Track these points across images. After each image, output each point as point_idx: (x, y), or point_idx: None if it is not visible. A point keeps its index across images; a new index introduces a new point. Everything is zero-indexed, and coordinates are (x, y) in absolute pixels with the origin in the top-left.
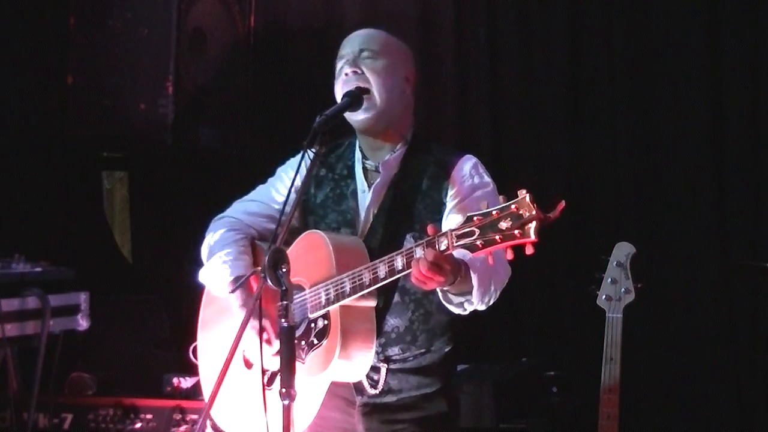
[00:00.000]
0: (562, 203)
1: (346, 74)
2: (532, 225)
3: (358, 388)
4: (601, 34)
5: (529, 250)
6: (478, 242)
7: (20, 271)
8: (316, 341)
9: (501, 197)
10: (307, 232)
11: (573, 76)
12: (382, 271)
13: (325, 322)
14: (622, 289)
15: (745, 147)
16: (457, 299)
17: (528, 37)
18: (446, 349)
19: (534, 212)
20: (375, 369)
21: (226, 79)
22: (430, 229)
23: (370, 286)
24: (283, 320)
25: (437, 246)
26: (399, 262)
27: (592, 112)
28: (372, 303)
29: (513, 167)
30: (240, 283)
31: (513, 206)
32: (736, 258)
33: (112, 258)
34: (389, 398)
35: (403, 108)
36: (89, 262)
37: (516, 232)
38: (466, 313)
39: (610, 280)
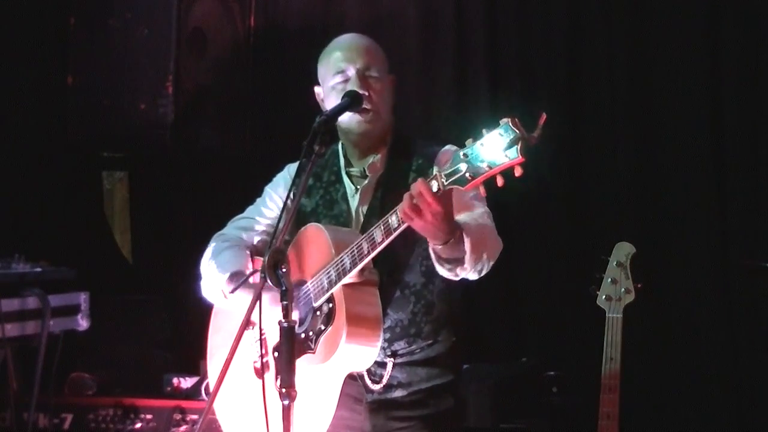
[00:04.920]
0: (543, 116)
1: None
2: (518, 145)
3: (366, 386)
4: (601, 34)
5: (517, 172)
6: (467, 175)
7: (20, 271)
8: (323, 327)
9: (484, 130)
10: (303, 227)
11: (573, 76)
12: (378, 234)
13: (330, 305)
14: (622, 289)
15: (745, 147)
16: (448, 265)
17: (528, 37)
18: (453, 339)
19: (517, 133)
20: (381, 364)
21: (226, 79)
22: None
23: (369, 253)
24: (283, 320)
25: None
26: (393, 219)
27: (592, 111)
28: (374, 277)
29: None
30: (241, 282)
31: (496, 133)
32: (736, 258)
33: (112, 258)
34: (399, 393)
35: (391, 118)
36: (89, 262)
37: (502, 155)
38: (458, 278)
39: (610, 280)
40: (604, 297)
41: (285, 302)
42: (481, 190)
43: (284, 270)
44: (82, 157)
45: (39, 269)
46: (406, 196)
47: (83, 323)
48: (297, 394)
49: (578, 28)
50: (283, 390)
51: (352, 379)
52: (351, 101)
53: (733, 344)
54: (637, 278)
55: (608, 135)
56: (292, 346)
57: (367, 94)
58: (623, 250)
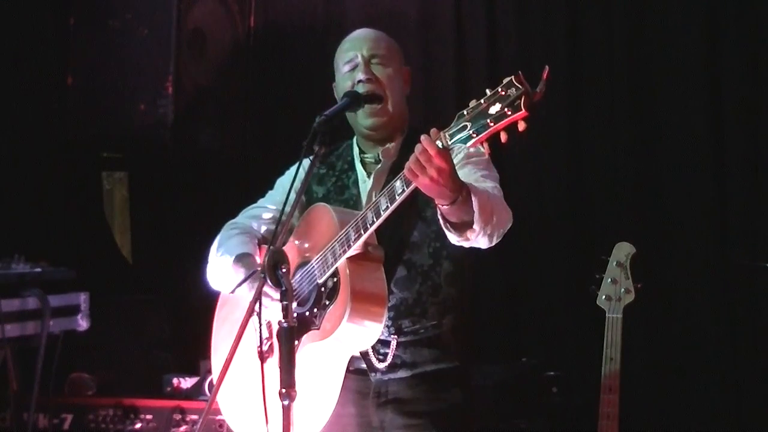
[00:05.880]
0: (546, 70)
1: (360, 80)
2: (521, 100)
3: (370, 365)
4: (601, 34)
5: (521, 126)
6: (471, 132)
7: (20, 271)
8: (327, 302)
9: (487, 89)
10: (311, 207)
11: (573, 75)
12: (383, 201)
13: (335, 280)
14: (622, 289)
15: (745, 147)
16: (457, 231)
17: (528, 36)
18: (459, 325)
19: (521, 88)
20: (385, 343)
21: (226, 80)
22: (433, 132)
23: (374, 222)
24: (283, 320)
25: None
26: (398, 184)
27: (593, 111)
28: (379, 253)
29: (512, 167)
30: (242, 281)
31: (500, 91)
32: (736, 258)
33: (112, 258)
34: (403, 373)
35: (404, 108)
36: (89, 262)
37: (506, 111)
38: (469, 243)
39: (610, 280)
40: (604, 297)
41: (285, 302)
42: (486, 147)
43: (284, 270)
44: (82, 157)
45: (39, 269)
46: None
47: (83, 323)
48: (297, 394)
49: (578, 28)
50: (283, 390)
51: (356, 372)
52: (350, 101)
53: (733, 344)
54: (637, 278)
55: (608, 135)
56: (292, 346)
57: (371, 78)
58: (623, 250)
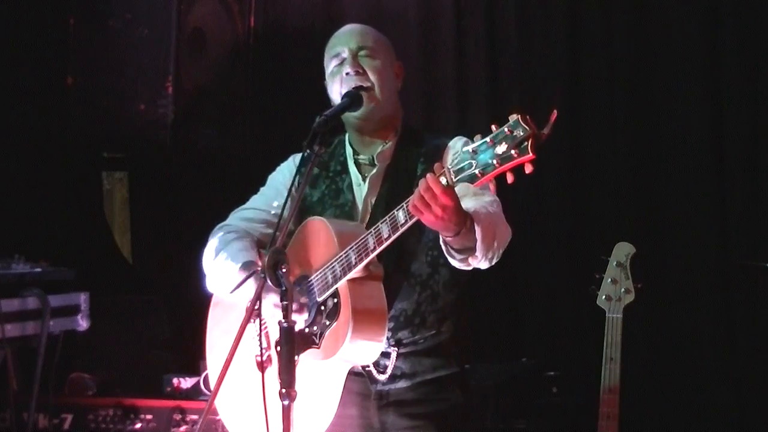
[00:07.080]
0: (554, 113)
1: (347, 73)
2: (528, 142)
3: (371, 377)
4: (601, 34)
5: (528, 169)
6: (476, 172)
7: (20, 271)
8: (328, 322)
9: (493, 125)
10: (306, 220)
11: (573, 76)
12: (384, 230)
13: (335, 300)
14: (622, 289)
15: (745, 147)
16: (459, 255)
17: (528, 36)
18: (457, 331)
19: (528, 129)
20: (385, 354)
21: (226, 80)
22: (437, 167)
23: (375, 248)
24: (283, 320)
25: None
26: (400, 215)
27: (592, 112)
28: (379, 272)
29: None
30: (243, 281)
31: (506, 130)
32: (736, 258)
33: (112, 258)
34: (403, 383)
35: (396, 103)
36: (89, 262)
37: (513, 152)
38: (470, 268)
39: (610, 280)
40: (604, 297)
41: (285, 302)
42: (491, 186)
43: (284, 270)
44: (82, 157)
45: (39, 269)
46: (415, 191)
47: (83, 323)
48: (297, 395)
49: (578, 28)
50: (283, 390)
51: (357, 375)
52: (351, 101)
53: (733, 344)
54: (637, 278)
55: (608, 135)
56: (292, 346)
57: (359, 70)
58: (623, 250)
